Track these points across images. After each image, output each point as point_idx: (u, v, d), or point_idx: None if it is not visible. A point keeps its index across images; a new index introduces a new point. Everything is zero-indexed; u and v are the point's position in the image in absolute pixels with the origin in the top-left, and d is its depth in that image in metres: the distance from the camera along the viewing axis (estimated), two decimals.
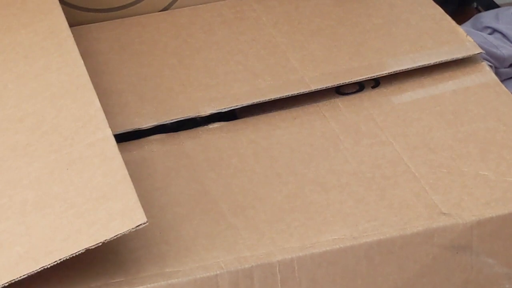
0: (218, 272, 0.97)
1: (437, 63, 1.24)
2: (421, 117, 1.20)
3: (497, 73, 1.59)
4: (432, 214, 1.03)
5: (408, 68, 1.28)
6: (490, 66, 1.57)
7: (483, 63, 1.35)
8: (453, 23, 1.35)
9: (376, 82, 1.32)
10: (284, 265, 0.99)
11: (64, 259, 0.90)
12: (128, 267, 1.01)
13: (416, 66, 1.26)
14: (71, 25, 1.35)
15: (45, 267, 0.89)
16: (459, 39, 1.29)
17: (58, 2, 1.27)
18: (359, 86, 1.31)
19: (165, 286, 0.99)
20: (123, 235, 0.93)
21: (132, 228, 0.89)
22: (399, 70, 1.28)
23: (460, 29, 1.32)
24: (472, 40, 1.32)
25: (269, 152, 1.18)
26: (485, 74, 1.33)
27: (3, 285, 0.93)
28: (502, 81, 1.61)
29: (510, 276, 1.09)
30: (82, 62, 1.16)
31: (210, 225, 1.06)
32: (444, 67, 1.31)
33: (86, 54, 1.20)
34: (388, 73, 1.29)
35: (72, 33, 1.28)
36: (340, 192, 1.09)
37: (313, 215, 1.07)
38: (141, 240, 1.06)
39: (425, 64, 1.24)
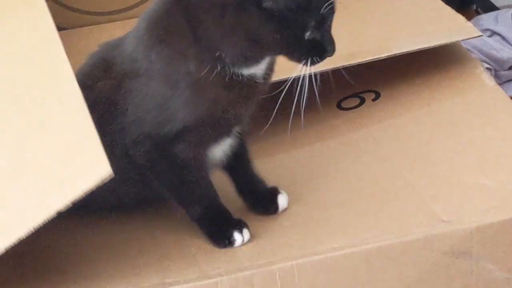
0: (218, 279, 0.95)
1: (438, 45, 1.24)
2: (419, 131, 1.20)
3: (496, 76, 1.62)
4: (432, 222, 1.04)
5: (408, 51, 1.24)
6: (490, 69, 1.60)
7: (481, 68, 1.34)
8: (453, 11, 1.35)
9: (376, 94, 1.30)
10: (284, 272, 0.96)
11: (38, 227, 0.89)
12: (130, 279, 1.00)
13: (417, 49, 1.23)
14: (71, 27, 1.39)
15: (21, 239, 0.90)
16: (459, 24, 1.32)
17: None
18: (360, 100, 1.29)
19: None
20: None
21: (98, 183, 0.88)
22: (400, 53, 1.24)
23: (459, 16, 1.33)
24: (472, 25, 1.31)
25: (272, 174, 1.15)
26: (483, 80, 1.34)
27: None
28: (502, 83, 1.62)
29: (510, 281, 1.09)
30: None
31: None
32: (442, 74, 1.30)
33: (84, 54, 1.18)
34: (389, 55, 1.25)
35: (71, 35, 1.32)
36: (340, 207, 1.08)
37: (313, 228, 1.05)
38: (144, 256, 1.04)
39: (425, 47, 1.23)
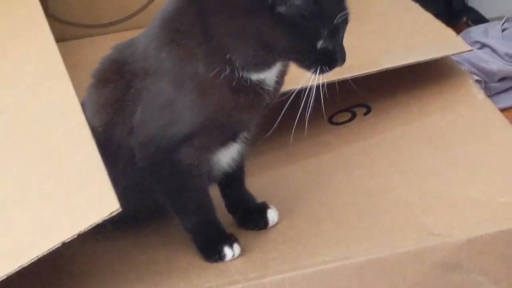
0: None
1: (429, 60, 1.25)
2: (410, 145, 1.20)
3: (486, 88, 1.64)
4: (423, 235, 1.04)
5: (399, 65, 1.24)
6: (480, 81, 1.61)
7: (471, 81, 1.34)
8: (442, 25, 1.37)
9: (367, 109, 1.31)
10: (276, 285, 0.96)
11: (42, 256, 0.89)
12: None
13: (407, 64, 1.23)
14: (64, 40, 1.39)
15: (23, 266, 0.89)
16: (449, 38, 1.33)
17: None
18: (351, 114, 1.29)
19: None
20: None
21: (106, 216, 0.88)
22: (391, 67, 1.24)
23: (449, 30, 1.34)
24: (462, 40, 1.32)
25: (265, 189, 1.15)
26: (473, 93, 1.34)
27: None
28: (492, 95, 1.64)
29: (490, 284, 1.09)
30: (58, 51, 1.16)
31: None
32: (432, 88, 1.30)
33: (79, 66, 1.21)
34: (380, 69, 1.24)
35: (65, 47, 1.29)
36: (332, 221, 1.08)
37: (305, 242, 1.05)
38: (136, 271, 1.04)
39: (416, 61, 1.24)
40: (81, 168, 1.00)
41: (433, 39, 1.36)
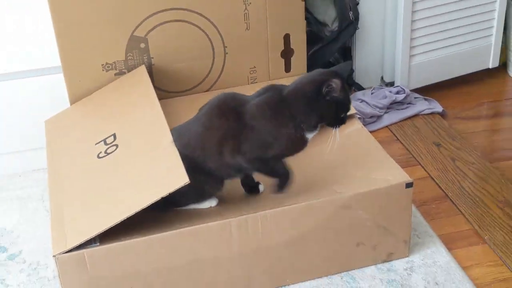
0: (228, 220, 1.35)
1: (369, 190, 1.45)
2: (325, 151, 1.45)
3: (364, 121, 2.05)
4: (333, 193, 1.46)
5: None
6: (360, 118, 2.03)
7: (356, 118, 1.72)
8: (387, 157, 1.56)
9: None
10: (266, 216, 1.37)
11: (147, 205, 1.26)
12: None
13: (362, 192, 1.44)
14: (161, 99, 1.61)
15: (132, 214, 1.26)
16: (389, 169, 1.52)
17: (155, 94, 1.59)
18: None
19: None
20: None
21: (181, 185, 1.25)
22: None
23: (390, 160, 1.55)
24: (400, 171, 1.49)
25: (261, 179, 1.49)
26: (356, 124, 1.70)
27: (113, 224, 1.27)
28: (366, 125, 2.04)
29: (369, 219, 1.47)
30: (159, 105, 1.50)
31: None
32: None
33: (168, 113, 1.52)
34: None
35: (162, 103, 1.55)
36: (292, 188, 1.43)
37: (272, 197, 1.42)
38: (170, 219, 1.41)
39: (362, 191, 1.44)
40: (166, 166, 1.34)
41: (377, 169, 1.54)
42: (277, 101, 1.36)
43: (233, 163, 1.38)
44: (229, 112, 1.37)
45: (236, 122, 1.35)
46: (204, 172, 1.37)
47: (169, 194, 1.27)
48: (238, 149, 1.36)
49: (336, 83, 1.31)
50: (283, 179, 1.43)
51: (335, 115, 1.36)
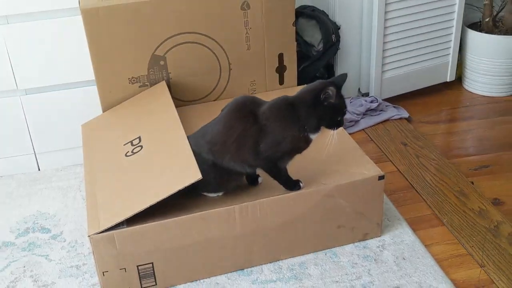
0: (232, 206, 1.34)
1: (348, 182, 1.41)
2: (312, 151, 1.39)
3: (344, 127, 1.92)
4: (318, 184, 1.43)
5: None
6: None
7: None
8: (363, 155, 1.52)
9: None
10: (262, 204, 1.36)
11: (167, 196, 1.24)
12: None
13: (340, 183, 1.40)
14: (177, 107, 1.58)
15: (153, 204, 1.25)
16: (364, 165, 1.49)
17: (173, 104, 1.57)
18: None
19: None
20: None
21: (194, 181, 1.24)
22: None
23: (366, 157, 1.51)
24: (373, 166, 1.46)
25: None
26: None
27: (133, 214, 1.27)
28: (346, 128, 2.02)
29: (348, 206, 1.46)
30: (176, 113, 1.48)
31: None
32: None
33: (183, 118, 1.51)
34: None
35: (177, 110, 1.52)
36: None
37: (271, 186, 1.37)
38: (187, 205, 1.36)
39: (343, 183, 1.41)
40: (182, 165, 1.34)
41: (353, 166, 1.50)
42: (285, 106, 1.34)
43: (250, 159, 1.34)
44: (248, 114, 1.34)
45: (254, 123, 1.33)
46: (223, 166, 1.35)
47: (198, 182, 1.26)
48: (256, 147, 1.33)
49: (332, 90, 1.29)
50: (288, 187, 1.41)
51: (333, 118, 1.33)
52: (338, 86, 1.33)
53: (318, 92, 1.30)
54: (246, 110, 1.34)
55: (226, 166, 1.34)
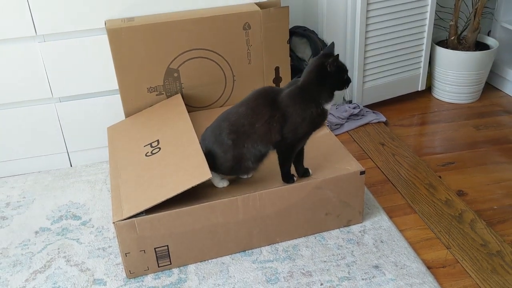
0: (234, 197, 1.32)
1: (334, 176, 1.39)
2: (308, 148, 1.38)
3: (330, 128, 2.01)
4: (309, 178, 1.41)
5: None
6: (328, 125, 1.98)
7: (326, 124, 1.65)
8: (347, 153, 1.48)
9: None
10: (268, 193, 1.34)
11: (180, 192, 1.22)
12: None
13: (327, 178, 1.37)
14: (188, 111, 1.57)
15: (169, 197, 1.23)
16: (348, 161, 1.46)
17: (186, 111, 1.55)
18: None
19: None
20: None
21: (206, 180, 1.22)
22: None
23: (349, 155, 1.48)
24: (356, 162, 1.42)
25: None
26: (325, 129, 1.64)
27: (151, 205, 1.24)
28: (333, 130, 2.00)
29: (334, 196, 1.44)
30: (189, 118, 1.45)
31: None
32: None
33: (194, 121, 1.49)
34: None
35: (190, 116, 1.50)
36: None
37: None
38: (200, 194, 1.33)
39: (330, 177, 1.38)
40: (194, 165, 1.31)
41: (337, 161, 1.47)
42: (298, 91, 1.30)
43: (275, 141, 1.29)
44: (272, 101, 1.30)
45: (278, 110, 1.29)
46: (245, 148, 1.30)
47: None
48: (281, 130, 1.29)
49: (332, 58, 1.26)
50: (285, 179, 1.38)
51: (340, 79, 1.29)
52: (332, 53, 1.29)
53: (320, 68, 1.27)
54: (270, 98, 1.31)
55: (246, 145, 1.30)
